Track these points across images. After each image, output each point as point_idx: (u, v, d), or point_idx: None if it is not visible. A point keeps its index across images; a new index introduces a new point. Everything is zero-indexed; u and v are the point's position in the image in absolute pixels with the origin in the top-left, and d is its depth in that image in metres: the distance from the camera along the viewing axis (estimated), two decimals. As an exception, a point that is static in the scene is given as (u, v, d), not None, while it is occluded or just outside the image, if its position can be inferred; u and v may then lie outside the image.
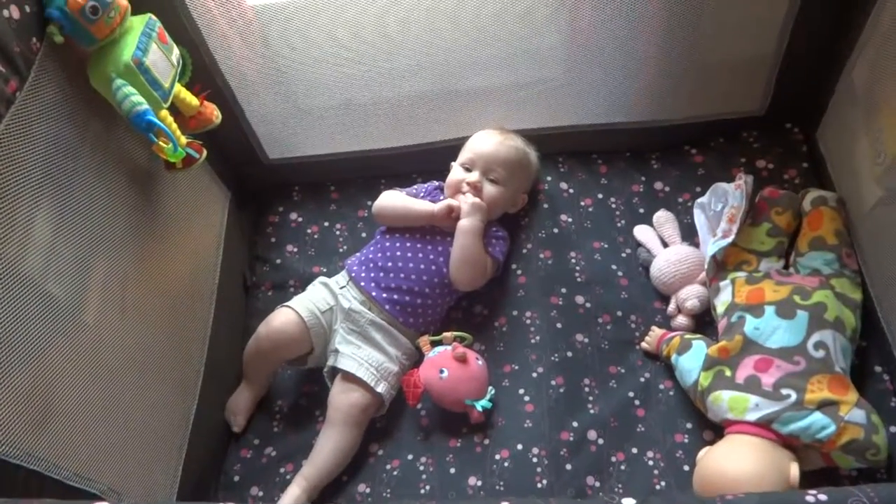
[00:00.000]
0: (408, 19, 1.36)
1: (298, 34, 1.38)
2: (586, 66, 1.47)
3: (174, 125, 1.16)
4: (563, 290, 1.46)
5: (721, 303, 1.32)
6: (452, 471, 1.31)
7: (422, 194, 1.51)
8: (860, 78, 1.30)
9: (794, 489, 1.09)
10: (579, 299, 1.45)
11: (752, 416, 1.16)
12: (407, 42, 1.41)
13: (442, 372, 1.31)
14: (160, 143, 1.11)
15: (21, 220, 0.94)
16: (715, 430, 1.26)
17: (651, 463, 1.27)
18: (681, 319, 1.40)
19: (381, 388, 1.34)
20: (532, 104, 1.55)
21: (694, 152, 1.60)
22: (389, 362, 1.38)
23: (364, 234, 1.64)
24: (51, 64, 1.01)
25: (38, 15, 0.99)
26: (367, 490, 1.32)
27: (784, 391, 1.16)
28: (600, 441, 1.30)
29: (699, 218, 1.46)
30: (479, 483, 1.28)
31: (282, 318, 1.40)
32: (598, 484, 1.26)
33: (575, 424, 1.31)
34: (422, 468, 1.32)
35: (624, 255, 1.51)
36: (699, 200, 1.47)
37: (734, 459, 1.14)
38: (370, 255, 1.46)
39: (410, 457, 1.34)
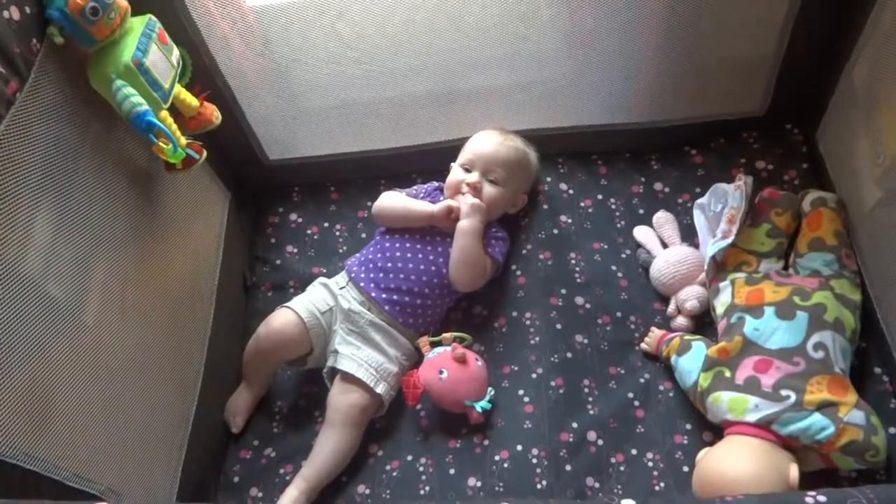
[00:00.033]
0: (408, 20, 1.36)
1: (298, 35, 1.39)
2: (586, 66, 1.47)
3: (174, 126, 1.17)
4: (563, 291, 1.46)
5: (721, 304, 1.32)
6: (452, 472, 1.31)
7: (421, 195, 1.51)
8: (860, 78, 1.30)
9: (793, 490, 1.09)
10: (579, 300, 1.45)
11: (752, 417, 1.16)
12: (407, 43, 1.41)
13: (441, 373, 1.32)
14: (160, 143, 1.11)
15: (21, 221, 0.94)
16: (714, 431, 1.26)
17: (651, 464, 1.27)
18: (680, 320, 1.40)
19: (380, 389, 1.34)
20: (532, 105, 1.55)
21: (694, 153, 1.60)
22: (389, 363, 1.38)
23: (364, 235, 1.64)
24: (51, 65, 1.01)
25: (39, 16, 0.99)
26: (367, 491, 1.32)
27: (783, 392, 1.16)
28: (600, 442, 1.30)
29: (699, 219, 1.46)
30: (479, 484, 1.28)
31: (281, 319, 1.40)
32: (597, 485, 1.26)
33: (574, 425, 1.31)
34: (421, 469, 1.32)
35: (624, 255, 1.51)
36: (699, 201, 1.47)
37: (734, 460, 1.14)
38: (370, 256, 1.46)
39: (410, 457, 1.34)
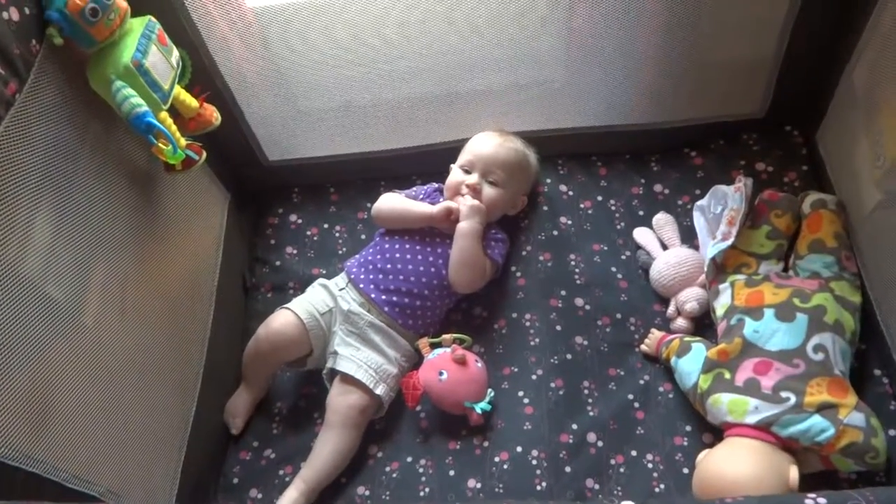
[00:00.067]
0: (407, 21, 1.36)
1: (298, 36, 1.39)
2: (586, 67, 1.47)
3: (174, 127, 1.16)
4: (563, 293, 1.46)
5: (720, 305, 1.32)
6: (452, 473, 1.30)
7: (421, 196, 1.51)
8: (860, 80, 1.30)
9: (793, 492, 1.09)
10: (579, 301, 1.45)
11: (752, 419, 1.16)
12: (407, 44, 1.41)
13: (441, 374, 1.31)
14: (160, 144, 1.11)
15: (21, 222, 0.94)
16: (714, 432, 1.26)
17: (650, 465, 1.27)
18: (680, 322, 1.40)
19: (379, 390, 1.34)
20: (531, 106, 1.55)
21: (693, 155, 1.60)
22: (388, 364, 1.38)
23: (363, 236, 1.64)
24: (50, 66, 1.01)
25: (38, 17, 0.99)
26: (367, 492, 1.32)
27: (783, 394, 1.16)
28: (600, 443, 1.30)
29: (699, 220, 1.46)
30: (479, 485, 1.28)
31: (281, 320, 1.40)
32: (597, 486, 1.26)
33: (574, 427, 1.31)
34: (421, 470, 1.32)
35: (623, 257, 1.51)
36: (699, 203, 1.47)
37: (733, 462, 1.14)
38: (369, 257, 1.46)
39: (410, 459, 1.34)
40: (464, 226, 1.41)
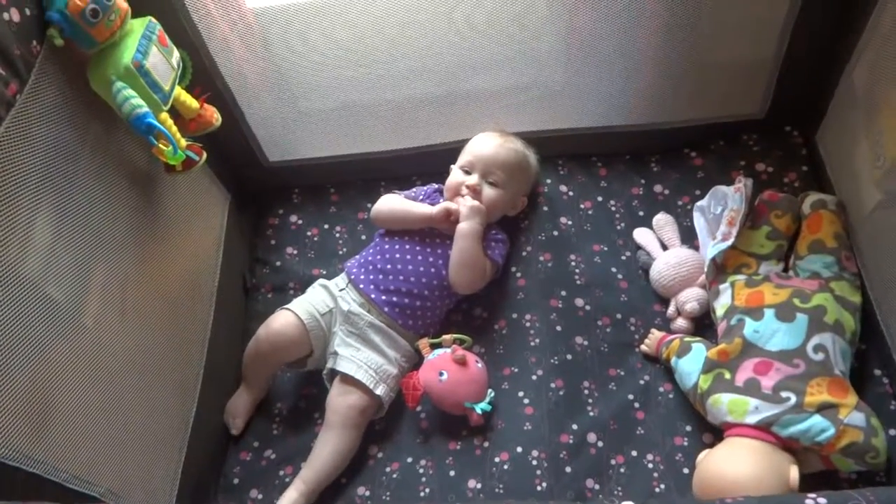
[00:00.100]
0: (408, 22, 1.37)
1: (298, 37, 1.39)
2: (586, 68, 1.47)
3: (174, 128, 1.17)
4: (563, 293, 1.46)
5: (720, 306, 1.32)
6: (452, 473, 1.30)
7: (420, 197, 1.51)
8: (860, 80, 1.30)
9: (793, 492, 1.09)
10: (579, 302, 1.45)
11: (752, 419, 1.16)
12: (407, 45, 1.41)
13: (441, 374, 1.31)
14: (160, 145, 1.11)
15: (21, 223, 0.94)
16: (714, 432, 1.26)
17: (651, 466, 1.27)
18: (680, 322, 1.40)
19: (379, 391, 1.34)
20: (532, 107, 1.55)
21: (693, 155, 1.60)
22: (388, 364, 1.38)
23: (364, 237, 1.64)
24: (51, 67, 1.01)
25: (39, 18, 0.99)
26: (367, 493, 1.32)
27: (783, 394, 1.17)
28: (600, 444, 1.30)
29: (699, 221, 1.46)
30: (479, 486, 1.28)
31: (281, 321, 1.40)
32: (597, 487, 1.26)
33: (574, 427, 1.31)
34: (421, 471, 1.32)
35: (623, 257, 1.51)
36: (699, 203, 1.47)
37: (734, 462, 1.14)
38: (369, 258, 1.46)
39: (410, 459, 1.34)
40: (464, 226, 1.41)
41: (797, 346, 1.20)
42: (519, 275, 1.50)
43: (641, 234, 1.51)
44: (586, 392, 1.36)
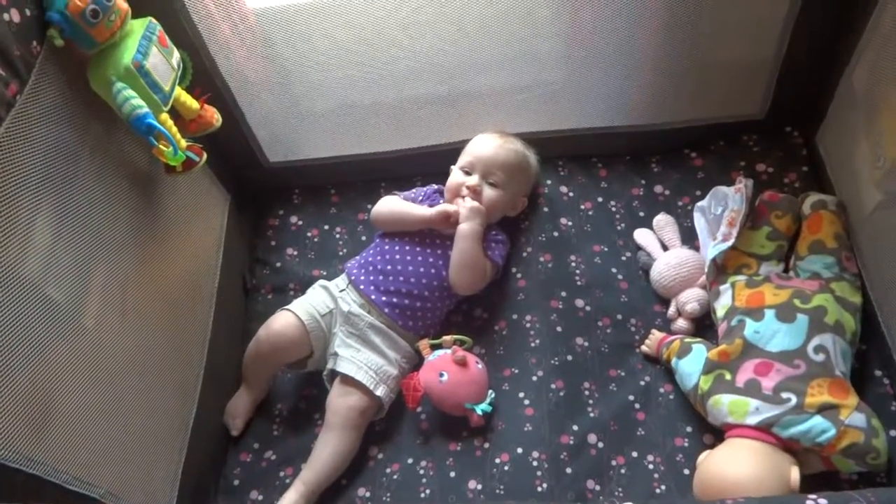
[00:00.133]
0: (408, 22, 1.37)
1: (299, 37, 1.39)
2: (586, 68, 1.47)
3: (174, 128, 1.16)
4: (563, 294, 1.46)
5: (721, 306, 1.32)
6: (452, 474, 1.30)
7: (420, 198, 1.51)
8: (860, 81, 1.30)
9: (794, 493, 1.09)
10: (579, 303, 1.45)
11: (753, 420, 1.16)
12: (407, 45, 1.41)
13: (442, 375, 1.31)
14: (160, 146, 1.11)
15: (21, 224, 0.94)
16: (715, 433, 1.26)
17: (651, 467, 1.27)
18: (681, 323, 1.40)
19: (379, 392, 1.34)
20: (532, 107, 1.55)
21: (694, 156, 1.60)
22: (388, 365, 1.37)
23: (364, 238, 1.64)
24: (51, 67, 1.01)
25: (39, 18, 0.99)
26: (367, 494, 1.32)
27: (784, 395, 1.16)
28: (600, 445, 1.30)
29: (699, 221, 1.46)
30: (480, 487, 1.28)
31: (281, 322, 1.40)
32: (598, 487, 1.26)
33: (575, 428, 1.31)
34: (422, 472, 1.32)
35: (624, 258, 1.51)
36: (699, 204, 1.47)
37: (734, 463, 1.14)
38: (369, 259, 1.46)
39: (410, 460, 1.34)
40: (464, 227, 1.41)
41: (798, 347, 1.20)
42: (519, 276, 1.49)
43: (642, 235, 1.51)
44: (587, 393, 1.36)
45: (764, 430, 1.15)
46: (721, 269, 1.37)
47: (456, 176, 1.48)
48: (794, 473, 1.10)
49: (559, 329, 1.42)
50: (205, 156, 1.28)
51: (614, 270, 1.49)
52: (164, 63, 1.14)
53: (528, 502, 1.23)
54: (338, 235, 1.66)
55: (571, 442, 1.30)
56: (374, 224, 1.52)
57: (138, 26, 1.11)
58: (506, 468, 1.28)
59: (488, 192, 1.45)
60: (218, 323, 1.46)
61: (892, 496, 0.70)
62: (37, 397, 0.94)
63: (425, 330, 1.44)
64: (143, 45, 1.08)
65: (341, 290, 1.44)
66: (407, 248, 1.44)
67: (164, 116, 1.14)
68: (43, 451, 0.94)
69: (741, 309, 1.28)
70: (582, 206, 1.57)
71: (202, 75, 1.33)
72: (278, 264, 1.63)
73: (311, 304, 1.43)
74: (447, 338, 1.38)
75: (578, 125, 1.58)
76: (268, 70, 1.45)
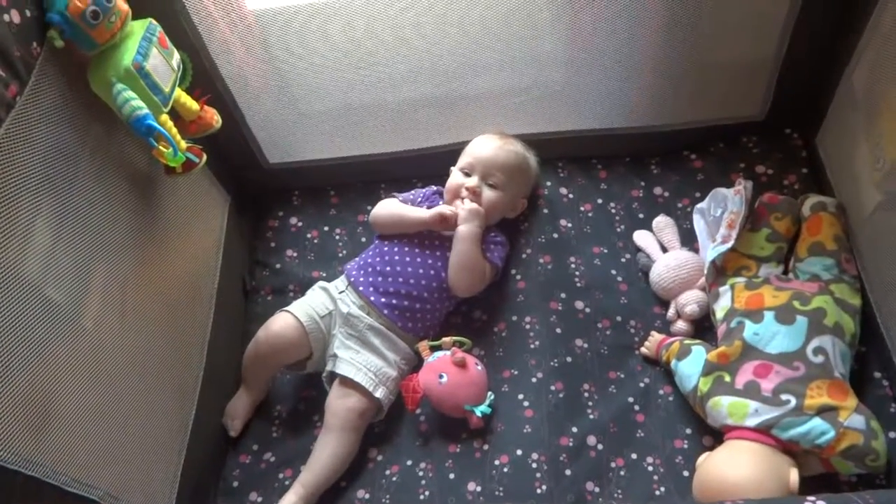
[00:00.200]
0: (408, 24, 1.37)
1: (299, 39, 1.39)
2: (586, 70, 1.47)
3: (174, 130, 1.17)
4: (563, 296, 1.46)
5: (720, 308, 1.32)
6: (452, 476, 1.30)
7: (420, 199, 1.51)
8: (860, 82, 1.30)
9: (793, 495, 1.09)
10: (579, 304, 1.45)
11: (752, 422, 1.16)
12: (407, 47, 1.41)
13: (441, 377, 1.31)
14: (160, 147, 1.10)
15: (21, 225, 0.94)
16: (714, 435, 1.26)
17: (651, 468, 1.27)
18: (680, 325, 1.40)
19: (379, 393, 1.34)
20: (532, 109, 1.55)
21: (693, 157, 1.60)
22: (388, 367, 1.37)
23: (364, 239, 1.64)
24: (51, 68, 1.01)
25: (39, 19, 0.99)
26: (367, 496, 1.32)
27: (783, 397, 1.16)
28: (600, 446, 1.30)
29: (698, 223, 1.46)
30: (479, 489, 1.28)
31: (281, 323, 1.40)
32: (597, 489, 1.26)
33: (574, 430, 1.31)
34: (421, 474, 1.32)
35: (623, 260, 1.51)
36: (698, 206, 1.47)
37: (734, 465, 1.14)
38: (369, 260, 1.46)
39: (410, 462, 1.34)
40: (462, 229, 1.41)
41: (797, 349, 1.20)
42: (519, 277, 1.49)
43: (641, 237, 1.51)
44: (586, 395, 1.36)
45: (763, 431, 1.15)
46: (720, 271, 1.37)
47: (455, 177, 1.48)
48: (794, 475, 1.10)
49: (559, 331, 1.42)
50: (204, 157, 1.28)
51: (614, 272, 1.49)
52: (165, 64, 1.14)
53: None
54: (337, 237, 1.66)
55: (571, 444, 1.30)
56: (372, 227, 1.52)
57: (138, 27, 1.11)
58: (505, 470, 1.28)
59: (488, 194, 1.45)
60: (217, 324, 1.46)
61: (892, 498, 0.70)
62: (36, 398, 0.94)
63: (424, 331, 1.44)
64: (143, 47, 1.08)
65: (341, 292, 1.44)
66: (406, 249, 1.44)
67: (164, 118, 1.14)
68: (42, 453, 0.94)
69: (740, 311, 1.28)
70: (581, 208, 1.57)
71: (202, 77, 1.33)
72: (278, 266, 1.63)
73: (310, 305, 1.42)
74: (446, 339, 1.38)
75: (578, 127, 1.58)
76: (268, 71, 1.45)
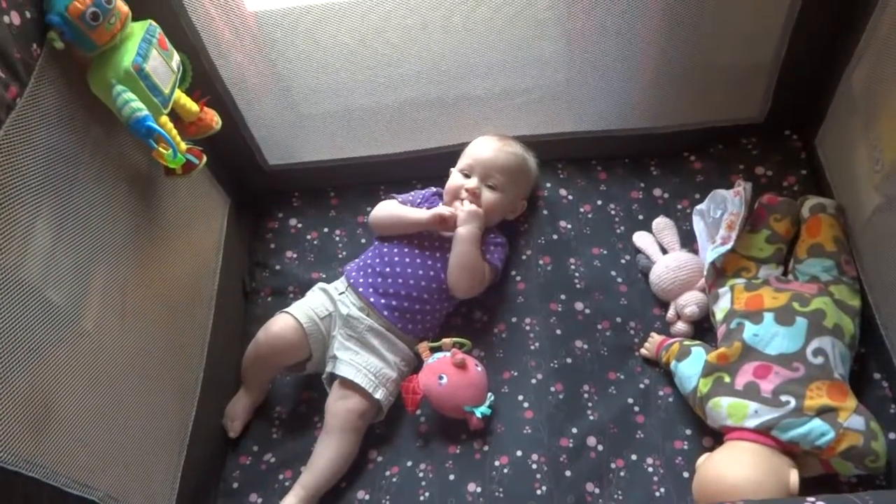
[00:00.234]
0: (408, 25, 1.37)
1: (299, 40, 1.39)
2: (586, 71, 1.47)
3: (174, 131, 1.16)
4: (563, 297, 1.46)
5: (720, 309, 1.33)
6: (452, 477, 1.30)
7: (419, 200, 1.51)
8: (859, 84, 1.30)
9: (793, 496, 1.09)
10: (578, 306, 1.45)
11: (752, 423, 1.16)
12: (407, 48, 1.41)
13: (441, 378, 1.31)
14: (160, 148, 1.10)
15: (21, 227, 0.94)
16: (714, 436, 1.26)
17: (650, 469, 1.27)
18: (680, 326, 1.40)
19: (379, 395, 1.34)
20: (531, 110, 1.55)
21: (693, 159, 1.60)
22: (388, 368, 1.37)
23: (363, 241, 1.64)
24: (51, 70, 1.01)
25: (39, 21, 0.99)
26: (367, 497, 1.32)
27: (783, 398, 1.17)
28: (600, 447, 1.30)
29: (698, 224, 1.46)
30: (479, 490, 1.28)
31: (281, 324, 1.40)
32: (597, 490, 1.26)
33: (574, 431, 1.31)
34: (421, 475, 1.32)
35: (623, 261, 1.51)
36: (698, 207, 1.47)
37: (733, 466, 1.14)
38: (368, 261, 1.46)
39: (410, 463, 1.34)
40: (462, 231, 1.41)
41: (796, 350, 1.20)
42: (518, 278, 1.50)
43: (641, 238, 1.51)
44: (586, 396, 1.36)
45: (763, 432, 1.16)
46: (720, 273, 1.37)
47: (455, 178, 1.48)
48: (794, 476, 1.10)
49: (558, 332, 1.42)
50: (204, 158, 1.28)
51: (613, 273, 1.49)
52: (164, 66, 1.14)
53: (528, 505, 1.23)
54: (337, 238, 1.66)
55: (571, 445, 1.30)
56: (372, 228, 1.52)
57: (138, 29, 1.11)
58: (505, 471, 1.28)
59: (487, 195, 1.45)
60: (217, 326, 1.46)
61: (892, 499, 0.70)
62: (36, 400, 0.94)
63: (424, 333, 1.44)
64: (143, 48, 1.09)
65: (340, 293, 1.44)
66: (406, 250, 1.44)
67: (164, 119, 1.14)
68: (42, 454, 0.94)
69: (740, 312, 1.28)
70: (581, 209, 1.57)
71: (202, 78, 1.33)
72: (278, 267, 1.63)
73: (310, 306, 1.42)
74: (446, 340, 1.38)
75: (578, 128, 1.58)
76: (267, 73, 1.45)
